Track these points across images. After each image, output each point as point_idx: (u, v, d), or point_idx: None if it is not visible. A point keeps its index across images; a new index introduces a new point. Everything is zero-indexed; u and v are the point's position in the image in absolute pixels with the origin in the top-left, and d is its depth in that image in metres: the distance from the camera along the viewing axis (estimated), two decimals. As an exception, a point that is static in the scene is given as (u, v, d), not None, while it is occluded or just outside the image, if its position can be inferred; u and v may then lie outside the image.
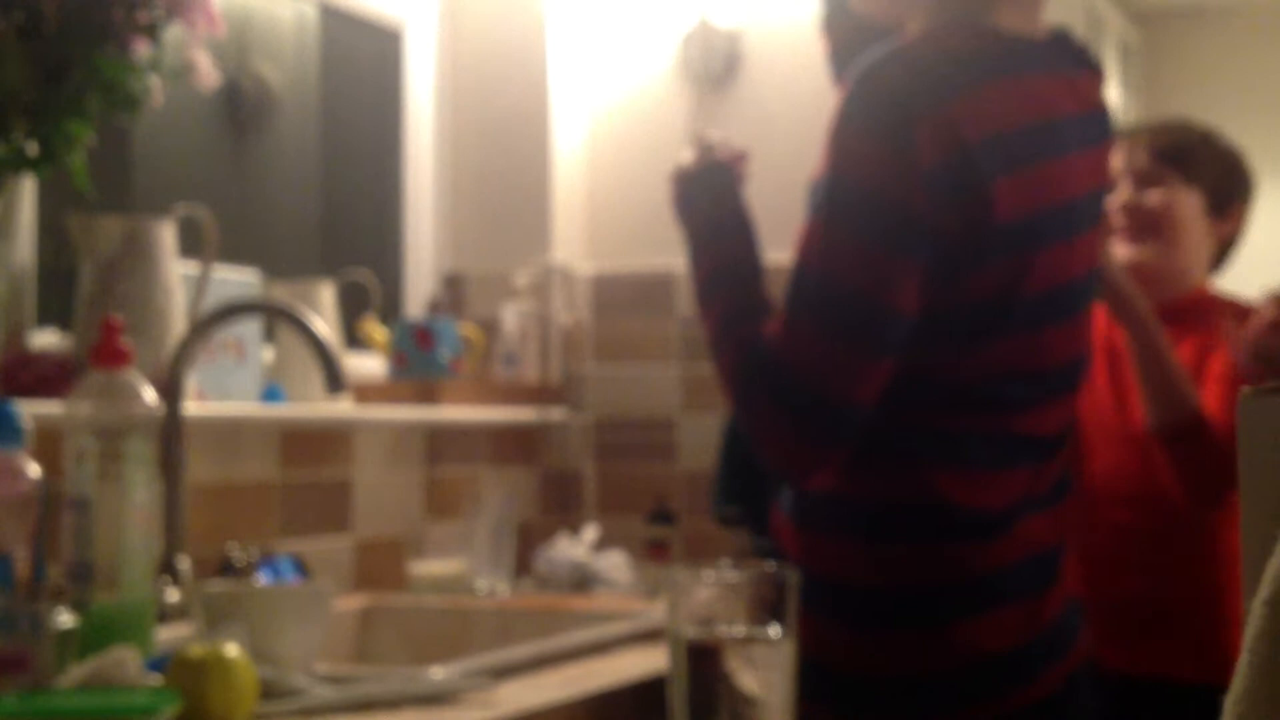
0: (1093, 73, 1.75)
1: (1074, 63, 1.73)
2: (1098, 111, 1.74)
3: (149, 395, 1.61)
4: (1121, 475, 2.22)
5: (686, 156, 1.77)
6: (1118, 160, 2.28)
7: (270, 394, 2.37)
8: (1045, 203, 1.60)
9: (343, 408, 2.47)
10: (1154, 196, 2.26)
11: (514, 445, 2.92)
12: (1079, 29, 4.94)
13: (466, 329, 2.78)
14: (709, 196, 1.73)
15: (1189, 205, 2.28)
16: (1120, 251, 2.26)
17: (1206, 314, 2.23)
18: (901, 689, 1.61)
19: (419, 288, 3.06)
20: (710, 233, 1.71)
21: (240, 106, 2.66)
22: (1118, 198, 2.26)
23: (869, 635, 1.60)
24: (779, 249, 2.94)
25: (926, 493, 1.60)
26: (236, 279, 2.31)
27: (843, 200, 1.55)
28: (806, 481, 1.62)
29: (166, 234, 2.09)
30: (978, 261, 1.56)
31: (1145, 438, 2.17)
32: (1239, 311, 2.21)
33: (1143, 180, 2.27)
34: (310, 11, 2.84)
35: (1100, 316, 2.37)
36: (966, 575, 1.60)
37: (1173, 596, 2.19)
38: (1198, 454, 2.07)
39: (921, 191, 1.53)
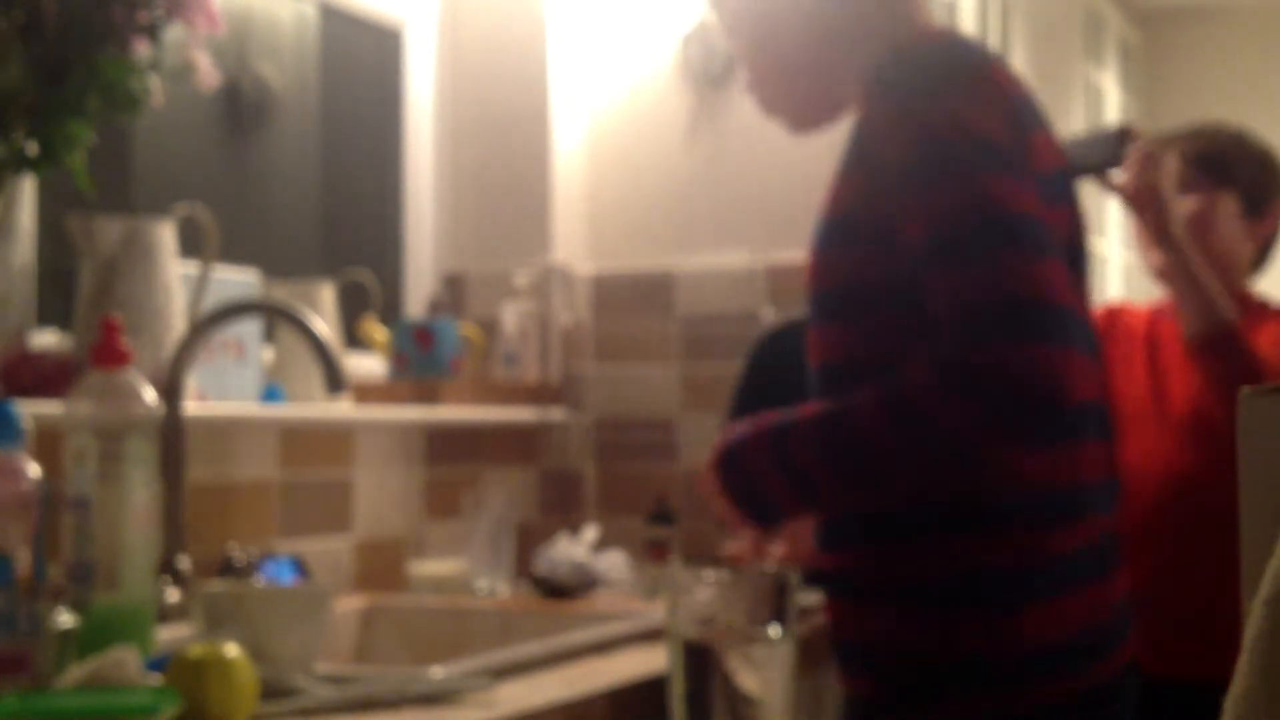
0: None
1: None
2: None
3: (149, 395, 1.61)
4: (1156, 462, 2.26)
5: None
6: None
7: (270, 394, 2.37)
8: (1043, 168, 1.62)
9: (343, 408, 2.47)
10: (1187, 204, 2.30)
11: (514, 445, 2.92)
12: (1079, 29, 4.94)
13: (466, 329, 2.78)
14: (735, 442, 1.63)
15: (1225, 209, 2.34)
16: (1152, 256, 2.30)
17: (1246, 316, 2.24)
18: (964, 673, 1.59)
19: (419, 288, 3.06)
20: (750, 443, 1.61)
21: (240, 106, 2.66)
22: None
23: (939, 618, 1.58)
24: (782, 249, 2.96)
25: (997, 474, 1.57)
26: (236, 279, 2.31)
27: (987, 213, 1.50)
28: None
29: (166, 234, 2.09)
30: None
31: (1182, 424, 2.23)
32: None
33: (1178, 187, 2.30)
34: (310, 11, 2.84)
35: (1142, 309, 2.42)
36: (1036, 560, 1.58)
37: (1206, 592, 2.19)
38: (1230, 363, 2.11)
39: (1029, 183, 1.54)
